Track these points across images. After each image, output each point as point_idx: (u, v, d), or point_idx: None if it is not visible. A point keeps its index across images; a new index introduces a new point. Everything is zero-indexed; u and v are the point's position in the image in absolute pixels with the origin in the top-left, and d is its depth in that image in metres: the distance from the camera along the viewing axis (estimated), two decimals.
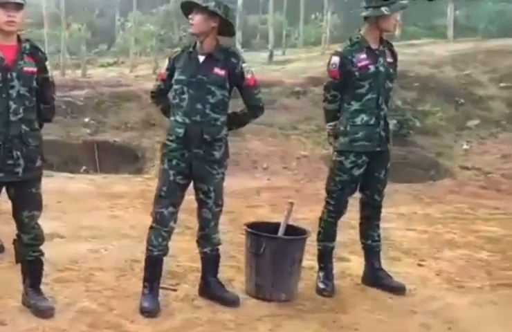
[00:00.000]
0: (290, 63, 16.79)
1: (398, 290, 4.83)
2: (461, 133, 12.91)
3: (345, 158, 4.71)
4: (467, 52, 15.89)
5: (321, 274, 4.86)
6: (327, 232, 4.88)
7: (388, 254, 5.92)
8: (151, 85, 4.98)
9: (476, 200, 8.95)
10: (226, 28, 4.30)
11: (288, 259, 4.46)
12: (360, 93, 4.66)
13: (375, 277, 4.95)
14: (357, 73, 4.63)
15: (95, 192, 8.18)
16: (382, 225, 7.14)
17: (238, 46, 18.37)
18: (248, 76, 4.33)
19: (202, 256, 4.49)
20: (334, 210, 4.83)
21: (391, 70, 4.74)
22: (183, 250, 5.29)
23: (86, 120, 11.73)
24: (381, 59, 4.67)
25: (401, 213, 7.88)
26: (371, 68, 4.64)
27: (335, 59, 4.73)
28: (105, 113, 11.87)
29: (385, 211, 7.97)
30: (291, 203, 4.80)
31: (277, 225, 4.73)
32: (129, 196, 7.95)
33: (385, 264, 5.53)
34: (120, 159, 11.32)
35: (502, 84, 14.40)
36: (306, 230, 4.72)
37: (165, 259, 4.34)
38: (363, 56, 4.66)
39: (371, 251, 5.00)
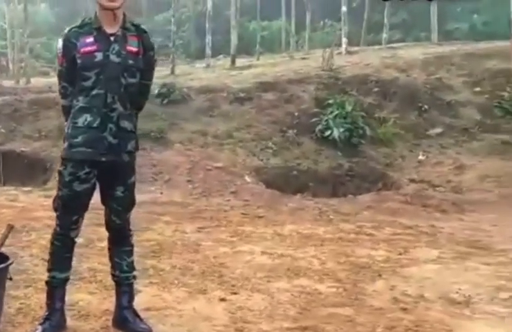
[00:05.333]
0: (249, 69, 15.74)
1: None
2: (420, 142, 11.68)
3: (64, 168, 3.66)
4: (444, 55, 14.59)
5: (46, 314, 3.84)
6: (55, 258, 3.81)
7: (194, 285, 4.86)
8: None
9: (389, 218, 7.74)
10: None
11: None
12: (86, 86, 3.59)
13: (121, 318, 3.86)
14: (79, 60, 3.61)
15: None
16: (239, 247, 6.19)
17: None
18: None
19: None
20: (60, 232, 3.77)
21: (131, 62, 3.65)
22: None
23: None
24: (116, 47, 3.60)
25: (279, 233, 6.73)
26: (99, 55, 3.56)
27: (60, 43, 3.72)
28: (20, 121, 11.09)
29: (261, 230, 7.00)
30: (10, 226, 3.77)
31: None
32: None
33: (179, 299, 4.51)
34: (27, 170, 10.53)
35: (477, 89, 13.08)
36: (9, 258, 3.68)
37: None
38: (90, 40, 3.59)
39: (120, 285, 3.92)
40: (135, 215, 7.28)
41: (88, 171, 3.63)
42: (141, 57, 3.68)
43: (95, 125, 3.58)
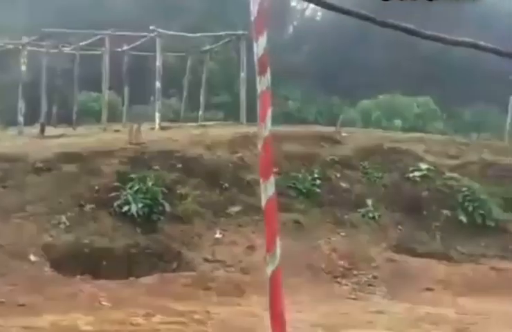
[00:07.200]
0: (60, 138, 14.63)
1: None
2: (219, 220, 11.34)
3: None
4: (248, 136, 14.62)
5: None
6: None
7: None
8: None
9: (166, 303, 7.15)
10: None
11: None
12: None
13: None
14: None
15: None
16: None
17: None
18: None
19: None
20: None
21: None
22: None
23: None
24: None
25: (31, 326, 5.80)
26: None
27: None
28: None
29: (10, 324, 5.97)
30: None
31: None
32: None
33: None
34: None
35: (274, 169, 13.14)
36: None
37: None
38: None
39: None
40: None
41: None
42: None
43: None
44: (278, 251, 3.67)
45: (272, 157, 3.73)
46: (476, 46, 4.30)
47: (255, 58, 3.71)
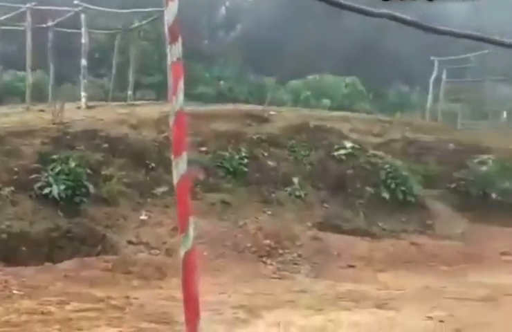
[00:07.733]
0: None
1: None
2: (145, 201, 10.98)
3: None
4: None
5: None
6: None
7: None
8: None
9: (83, 289, 6.78)
10: None
11: None
12: None
13: None
14: None
15: None
16: None
17: None
18: None
19: None
20: None
21: None
22: None
23: None
24: None
25: None
26: None
27: None
28: None
29: None
30: None
31: None
32: None
33: None
34: None
35: (202, 149, 12.89)
36: None
37: None
38: None
39: None
40: None
41: None
42: None
43: None
44: (191, 232, 3.38)
45: (185, 133, 3.40)
46: (394, 18, 4.14)
47: (165, 27, 3.38)
